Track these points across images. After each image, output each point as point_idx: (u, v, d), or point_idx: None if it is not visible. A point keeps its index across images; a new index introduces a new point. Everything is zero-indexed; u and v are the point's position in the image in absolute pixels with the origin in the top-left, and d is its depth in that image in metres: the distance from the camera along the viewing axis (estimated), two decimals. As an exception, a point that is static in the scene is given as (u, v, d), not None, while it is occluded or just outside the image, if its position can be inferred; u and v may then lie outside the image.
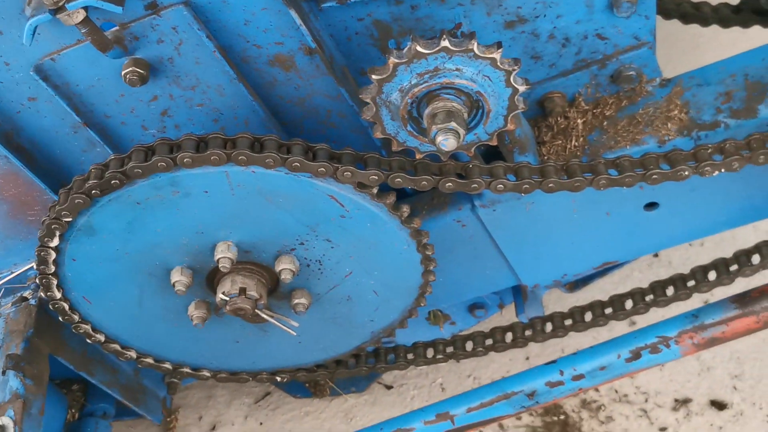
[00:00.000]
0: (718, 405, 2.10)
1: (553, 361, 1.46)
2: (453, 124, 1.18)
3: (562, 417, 2.13)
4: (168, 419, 2.18)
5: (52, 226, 1.38)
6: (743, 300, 1.37)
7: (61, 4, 1.21)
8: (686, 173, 1.33)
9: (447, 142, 1.20)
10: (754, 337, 2.16)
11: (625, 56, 1.43)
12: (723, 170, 1.33)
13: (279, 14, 1.30)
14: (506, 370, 2.22)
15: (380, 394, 2.24)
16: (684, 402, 2.12)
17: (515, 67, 1.20)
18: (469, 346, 1.73)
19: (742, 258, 1.60)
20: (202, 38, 1.30)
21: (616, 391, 2.15)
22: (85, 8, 1.22)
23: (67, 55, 1.34)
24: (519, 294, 1.84)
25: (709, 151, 1.34)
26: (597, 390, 2.16)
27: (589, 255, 1.64)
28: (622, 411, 2.12)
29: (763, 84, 1.38)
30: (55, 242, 1.42)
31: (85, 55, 1.34)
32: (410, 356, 1.76)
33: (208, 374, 1.75)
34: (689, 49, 1.85)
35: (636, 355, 1.39)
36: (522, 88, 1.21)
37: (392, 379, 2.28)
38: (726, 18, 1.76)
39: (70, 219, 1.38)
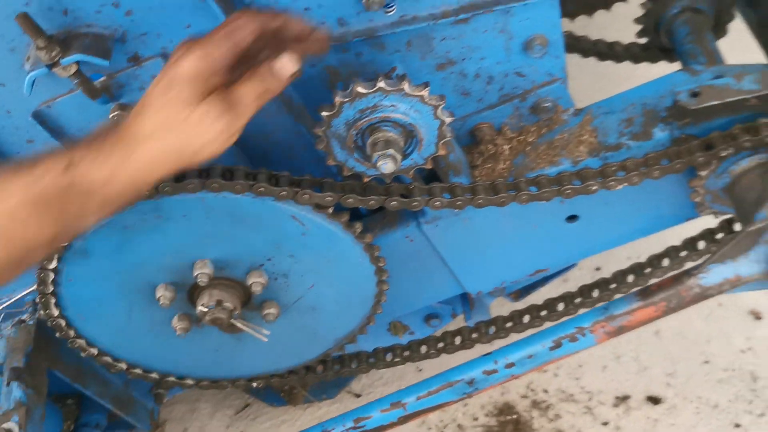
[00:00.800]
0: (654, 400, 2.32)
1: (489, 353, 1.68)
2: (391, 151, 1.42)
3: (514, 416, 2.34)
4: (155, 432, 2.38)
5: (51, 250, 1.60)
6: (645, 293, 1.59)
7: (56, 59, 1.41)
8: (595, 188, 1.57)
9: (386, 166, 1.43)
10: (685, 340, 2.41)
11: (542, 90, 1.66)
12: (626, 184, 1.56)
13: (243, 63, 1.52)
14: (463, 376, 2.43)
15: (350, 402, 2.45)
16: (623, 398, 2.34)
17: (441, 102, 1.43)
18: (423, 349, 1.94)
19: (654, 261, 1.85)
20: (177, 85, 1.53)
21: (563, 392, 2.37)
22: (77, 62, 1.44)
23: (61, 103, 1.53)
24: (467, 303, 2.07)
25: (614, 168, 1.57)
26: (546, 391, 2.38)
27: (521, 264, 1.86)
28: (569, 409, 2.34)
29: (657, 111, 1.62)
30: (54, 264, 1.62)
31: (76, 102, 1.52)
32: (371, 360, 1.97)
33: (191, 382, 1.95)
34: (603, 82, 2.10)
35: (558, 344, 1.61)
36: (448, 120, 1.45)
37: (360, 388, 2.48)
38: (636, 55, 2.01)
39: (66, 243, 1.59)
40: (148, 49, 1.47)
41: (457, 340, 1.90)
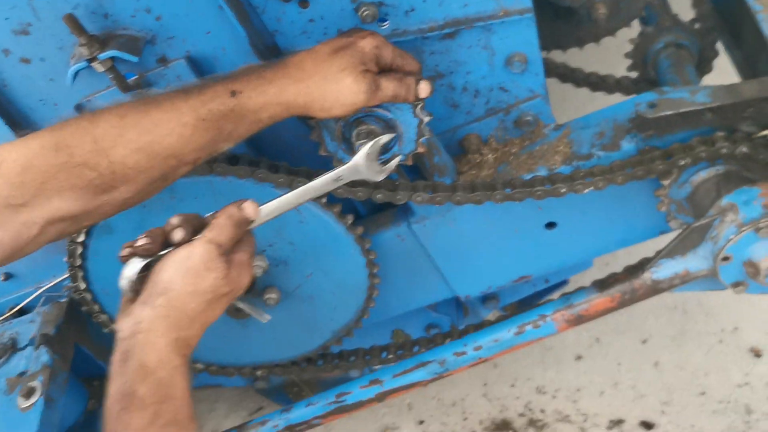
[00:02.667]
0: (647, 425, 2.40)
1: (456, 337, 1.82)
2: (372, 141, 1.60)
3: (511, 432, 2.44)
4: (174, 426, 2.56)
5: (80, 224, 1.81)
6: (602, 284, 1.72)
7: (95, 55, 1.65)
8: (563, 190, 1.72)
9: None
10: (684, 372, 2.49)
11: (524, 105, 1.83)
12: (592, 188, 1.71)
13: (256, 68, 1.74)
14: (466, 393, 2.55)
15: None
16: (617, 422, 2.42)
17: (420, 102, 1.62)
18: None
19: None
20: (198, 85, 1.75)
21: (560, 413, 2.47)
22: (112, 59, 1.68)
23: (99, 98, 1.74)
24: (461, 310, 2.22)
25: (581, 173, 1.73)
26: (543, 411, 2.48)
27: (505, 269, 1.99)
28: (563, 429, 2.43)
29: (626, 126, 1.77)
30: (82, 238, 1.84)
31: (112, 98, 1.75)
32: (367, 357, 2.11)
33: (201, 366, 2.13)
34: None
35: (521, 330, 1.74)
36: (426, 119, 1.63)
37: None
38: (627, 88, 2.17)
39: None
40: (174, 52, 1.69)
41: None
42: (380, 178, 1.60)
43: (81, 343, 2.10)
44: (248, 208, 1.46)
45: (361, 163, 1.57)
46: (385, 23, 1.69)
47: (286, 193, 1.54)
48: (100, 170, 1.37)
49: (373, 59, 1.49)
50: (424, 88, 1.54)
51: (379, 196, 1.75)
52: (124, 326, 1.39)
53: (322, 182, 1.55)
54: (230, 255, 1.42)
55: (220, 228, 1.42)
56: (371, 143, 1.57)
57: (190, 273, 1.38)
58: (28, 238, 1.37)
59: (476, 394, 2.53)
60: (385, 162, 1.61)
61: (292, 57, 1.49)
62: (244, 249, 1.46)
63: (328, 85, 1.46)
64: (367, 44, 1.49)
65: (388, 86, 1.51)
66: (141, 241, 1.43)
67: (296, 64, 1.47)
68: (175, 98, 1.42)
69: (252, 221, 1.48)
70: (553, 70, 2.30)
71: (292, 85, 1.45)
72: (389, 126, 1.64)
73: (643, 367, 2.53)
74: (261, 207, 1.50)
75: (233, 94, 1.43)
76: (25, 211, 1.35)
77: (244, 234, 1.47)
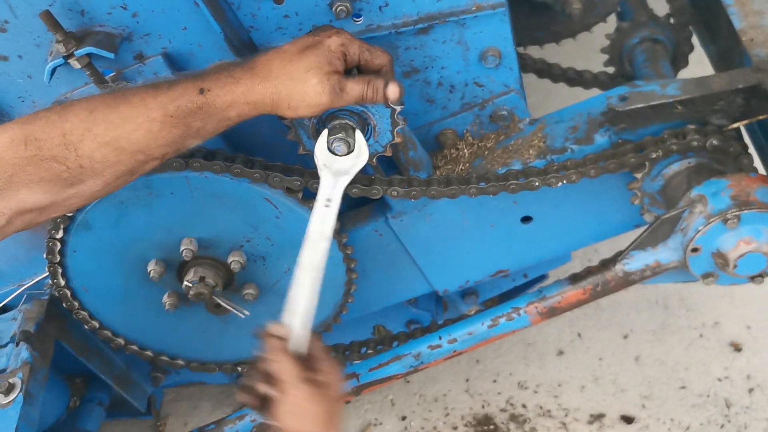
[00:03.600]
0: (627, 419, 2.41)
1: (435, 331, 1.83)
2: (342, 134, 1.61)
3: (492, 427, 2.45)
4: (158, 423, 2.57)
5: (58, 220, 1.82)
6: (574, 278, 1.73)
7: (71, 51, 1.66)
8: (536, 184, 1.73)
9: (339, 149, 1.62)
10: (664, 366, 2.50)
11: (499, 100, 1.84)
12: (564, 181, 1.73)
13: (232, 65, 1.75)
14: (448, 389, 2.56)
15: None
16: (598, 417, 2.43)
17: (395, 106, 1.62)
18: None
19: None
20: (175, 81, 1.76)
21: (541, 408, 2.48)
22: (89, 56, 1.69)
23: (78, 94, 1.77)
24: (440, 305, 2.23)
25: (555, 167, 1.74)
26: (524, 406, 2.49)
27: (482, 263, 2.01)
28: (545, 424, 2.44)
29: (600, 120, 1.79)
30: (60, 234, 1.85)
31: (90, 94, 1.79)
32: (347, 353, 2.13)
33: (182, 362, 2.14)
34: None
35: (495, 323, 1.76)
36: (398, 108, 1.64)
37: (350, 396, 2.63)
38: (604, 83, 2.19)
39: (72, 214, 1.81)
40: (150, 49, 1.71)
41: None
42: (364, 160, 1.60)
43: (61, 340, 2.10)
44: (277, 333, 1.49)
45: (325, 158, 1.57)
46: (359, 18, 1.70)
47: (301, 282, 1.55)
48: (68, 164, 1.38)
49: (340, 57, 1.49)
50: (393, 91, 1.53)
51: (355, 191, 1.76)
52: None
53: (325, 230, 1.56)
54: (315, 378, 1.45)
55: (280, 368, 1.44)
56: (320, 138, 1.58)
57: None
58: None
59: (458, 389, 2.54)
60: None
61: (261, 56, 1.50)
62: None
63: (295, 86, 1.46)
64: (333, 42, 1.48)
65: (354, 88, 1.50)
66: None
67: (264, 64, 1.48)
68: (144, 94, 1.43)
69: (287, 340, 1.49)
70: (530, 65, 2.31)
71: (259, 84, 1.46)
72: (362, 119, 1.65)
73: (624, 361, 2.54)
74: (289, 323, 1.50)
75: (201, 91, 1.44)
76: None
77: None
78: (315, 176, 1.76)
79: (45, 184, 1.38)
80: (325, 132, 1.58)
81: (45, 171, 1.37)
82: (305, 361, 1.45)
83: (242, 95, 1.45)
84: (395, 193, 1.76)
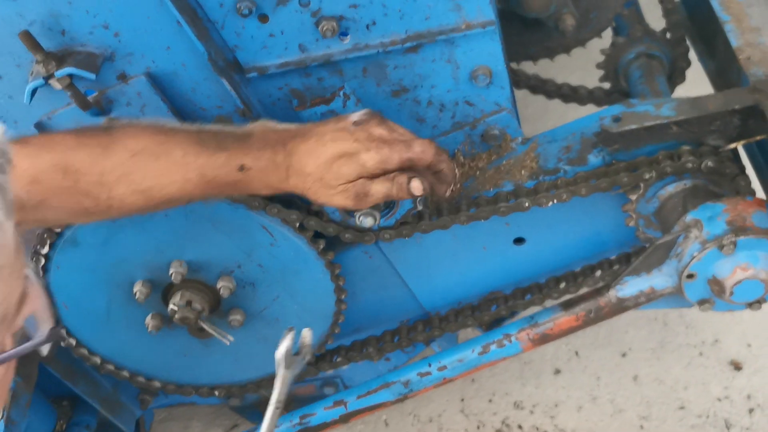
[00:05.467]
0: (625, 440, 2.37)
1: (425, 358, 1.79)
2: (369, 209, 1.62)
3: (488, 448, 2.41)
4: (148, 444, 2.53)
5: (44, 236, 1.77)
6: (567, 304, 1.69)
7: (52, 72, 1.63)
8: (526, 204, 1.69)
9: (366, 221, 1.63)
10: (663, 386, 2.46)
11: (490, 119, 1.80)
12: (555, 201, 1.68)
13: (216, 83, 1.70)
14: (443, 409, 2.52)
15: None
16: (595, 437, 2.39)
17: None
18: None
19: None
20: (159, 101, 1.70)
21: (537, 428, 2.44)
22: (70, 76, 1.65)
23: (59, 115, 1.71)
24: (432, 326, 2.18)
25: (545, 186, 1.70)
26: (520, 427, 2.45)
27: (474, 284, 1.97)
28: (542, 444, 2.40)
29: (593, 140, 1.75)
30: (45, 250, 1.80)
31: (72, 115, 1.72)
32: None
33: (159, 384, 2.08)
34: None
35: (486, 350, 1.72)
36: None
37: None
38: (599, 99, 2.15)
39: (59, 230, 1.76)
40: (133, 69, 1.67)
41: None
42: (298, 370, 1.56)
43: (46, 363, 2.06)
44: None
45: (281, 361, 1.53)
46: (346, 37, 1.67)
47: None
48: (98, 201, 1.44)
49: (375, 173, 1.50)
50: (416, 188, 1.52)
51: (348, 236, 1.73)
52: None
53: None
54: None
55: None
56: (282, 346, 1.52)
57: None
58: None
59: (453, 409, 2.50)
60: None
61: (299, 144, 1.51)
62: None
63: (322, 189, 1.51)
64: (370, 160, 1.49)
65: (379, 190, 1.52)
66: None
67: (300, 159, 1.50)
68: (188, 149, 1.46)
69: None
70: (524, 81, 2.27)
71: (293, 177, 1.51)
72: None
73: (622, 381, 2.50)
74: None
75: (242, 168, 1.48)
76: (19, 213, 1.36)
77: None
78: (311, 213, 1.73)
79: (70, 212, 1.46)
80: (290, 335, 1.54)
81: (75, 203, 1.43)
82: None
83: (276, 183, 1.52)
84: (388, 236, 1.72)
